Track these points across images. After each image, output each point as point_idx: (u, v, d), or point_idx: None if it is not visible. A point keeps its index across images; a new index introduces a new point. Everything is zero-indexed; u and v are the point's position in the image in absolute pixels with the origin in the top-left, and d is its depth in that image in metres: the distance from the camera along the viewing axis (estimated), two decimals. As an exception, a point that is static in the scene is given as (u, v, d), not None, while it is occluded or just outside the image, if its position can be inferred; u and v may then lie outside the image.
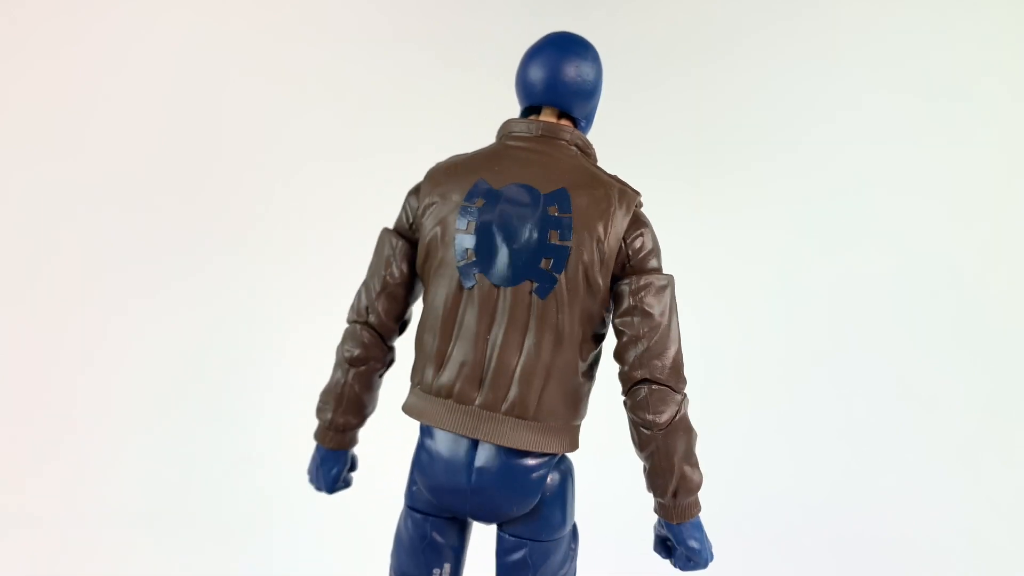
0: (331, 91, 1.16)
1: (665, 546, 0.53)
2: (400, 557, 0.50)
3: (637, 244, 0.48)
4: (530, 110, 0.53)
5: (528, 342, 0.47)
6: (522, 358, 0.47)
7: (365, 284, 0.53)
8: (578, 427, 0.51)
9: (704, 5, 1.22)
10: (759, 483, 1.14)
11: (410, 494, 0.50)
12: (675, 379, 0.49)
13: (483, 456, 0.47)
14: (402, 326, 0.54)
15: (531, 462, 0.48)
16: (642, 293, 0.47)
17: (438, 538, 0.49)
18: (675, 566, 0.52)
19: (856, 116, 1.20)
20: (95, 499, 1.05)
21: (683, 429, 0.49)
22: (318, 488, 0.55)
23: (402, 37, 1.19)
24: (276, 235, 1.15)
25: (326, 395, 0.53)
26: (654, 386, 0.48)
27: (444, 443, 0.48)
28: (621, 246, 0.48)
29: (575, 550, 0.52)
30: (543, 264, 0.46)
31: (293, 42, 1.18)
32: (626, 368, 0.49)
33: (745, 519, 1.11)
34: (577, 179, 0.48)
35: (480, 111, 1.23)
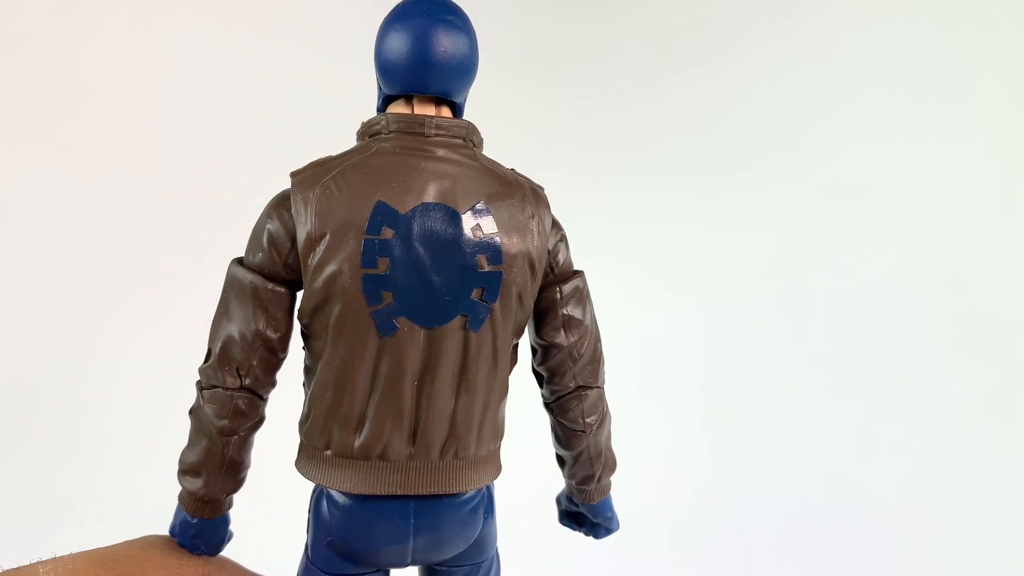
0: (331, 88, 1.16)
1: (574, 519, 0.52)
2: None
3: (560, 250, 0.44)
4: (392, 99, 0.43)
5: (464, 382, 0.41)
6: (459, 400, 0.41)
7: (230, 339, 0.41)
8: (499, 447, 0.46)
9: (704, 4, 1.22)
10: (758, 483, 1.14)
11: (326, 559, 0.42)
12: (601, 375, 0.47)
13: (423, 508, 0.41)
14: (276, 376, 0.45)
15: (471, 497, 0.43)
16: (571, 304, 0.44)
17: None
18: (587, 535, 0.51)
19: (857, 116, 1.20)
20: (98, 498, 1.05)
21: (606, 418, 0.47)
22: (200, 552, 0.45)
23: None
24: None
25: (196, 467, 0.42)
26: (587, 391, 0.45)
27: (375, 507, 0.41)
28: (546, 256, 0.43)
29: (498, 563, 0.48)
30: (475, 295, 0.39)
31: (293, 40, 1.18)
32: (557, 381, 0.45)
33: (745, 519, 1.11)
34: (489, 187, 0.41)
35: (479, 110, 1.23)
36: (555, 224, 0.44)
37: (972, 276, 1.19)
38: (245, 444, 0.43)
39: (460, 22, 0.42)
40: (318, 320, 0.40)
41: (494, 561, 0.47)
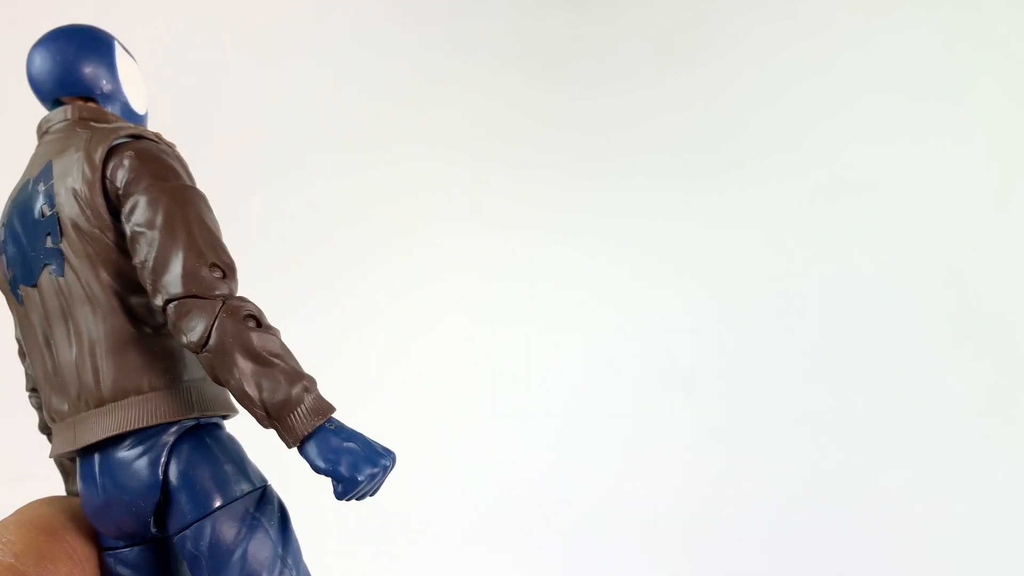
0: (331, 85, 1.16)
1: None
2: None
3: (119, 174, 0.41)
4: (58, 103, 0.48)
5: (71, 328, 0.41)
6: (73, 347, 0.41)
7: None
8: (194, 387, 0.42)
9: (703, 4, 1.22)
10: (756, 483, 1.14)
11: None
12: (195, 285, 0.38)
13: (99, 464, 0.41)
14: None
15: (132, 449, 0.40)
16: (133, 217, 0.40)
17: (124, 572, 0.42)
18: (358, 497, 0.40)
19: (855, 115, 1.20)
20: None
21: (231, 335, 0.37)
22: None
23: (401, 32, 1.19)
24: (276, 230, 1.15)
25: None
26: (172, 304, 0.38)
27: (81, 472, 0.42)
28: (103, 184, 0.41)
29: (259, 519, 0.40)
30: (47, 242, 0.42)
31: (293, 38, 1.18)
32: (153, 302, 0.40)
33: (736, 517, 1.11)
34: (59, 148, 0.43)
35: (480, 106, 1.23)
36: (117, 151, 0.42)
37: (970, 275, 1.19)
38: None
39: (49, 41, 0.49)
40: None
41: (224, 525, 0.39)
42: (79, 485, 0.43)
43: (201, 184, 0.45)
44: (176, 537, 0.40)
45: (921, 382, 1.17)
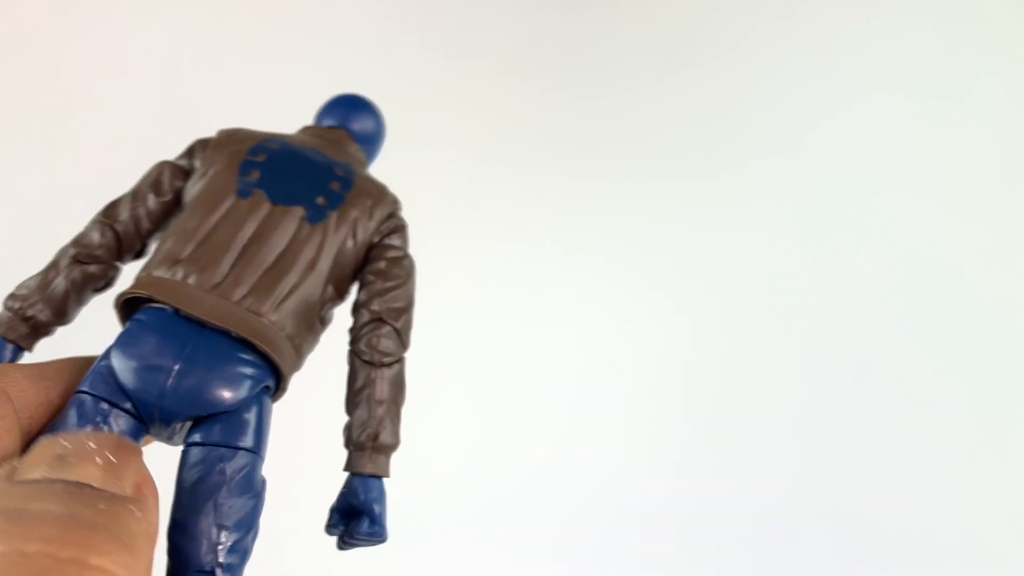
0: (331, 85, 1.17)
1: (341, 519, 0.43)
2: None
3: (395, 239, 0.49)
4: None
5: (283, 259, 0.44)
6: (275, 267, 0.43)
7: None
8: (292, 372, 0.44)
9: (703, 4, 1.22)
10: (756, 484, 1.14)
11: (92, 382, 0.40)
12: (407, 337, 0.48)
13: (201, 339, 0.40)
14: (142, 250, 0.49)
15: (243, 357, 0.40)
16: (391, 252, 0.48)
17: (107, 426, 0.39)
18: (353, 539, 0.42)
19: (855, 115, 1.20)
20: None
21: (402, 374, 0.47)
22: None
23: (401, 32, 1.19)
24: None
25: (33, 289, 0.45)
26: (387, 323, 0.47)
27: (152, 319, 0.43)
28: (378, 228, 0.48)
29: (258, 481, 0.41)
30: (318, 200, 0.46)
31: (293, 38, 1.18)
32: (367, 304, 0.49)
33: (733, 520, 1.11)
34: (346, 156, 0.53)
35: (480, 106, 1.23)
36: (395, 216, 0.51)
37: (970, 275, 1.19)
38: (85, 285, 0.48)
39: (374, 109, 0.63)
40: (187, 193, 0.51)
41: (245, 462, 0.40)
42: (140, 333, 0.39)
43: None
44: (191, 445, 0.39)
45: (921, 382, 1.17)
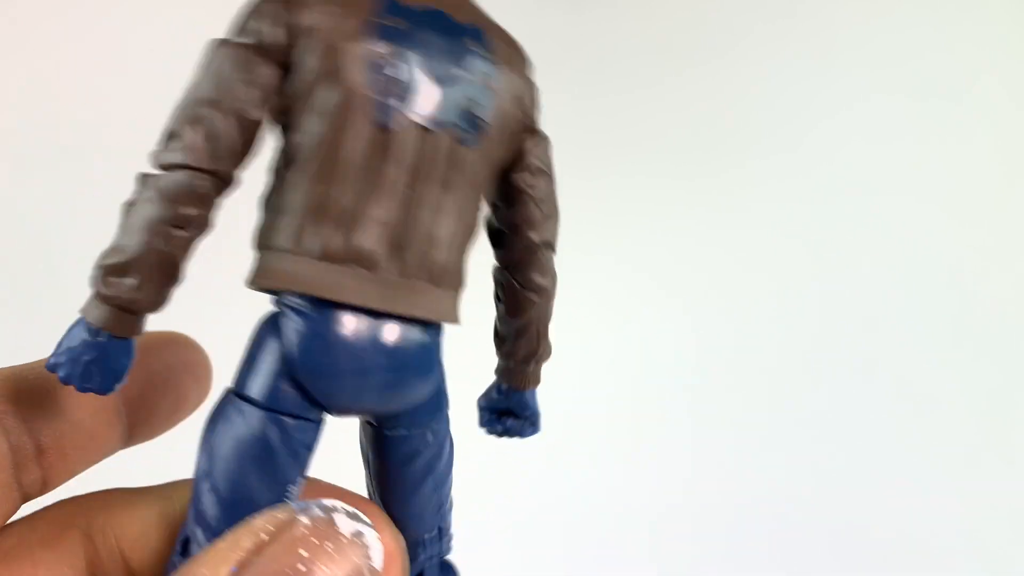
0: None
1: (495, 419, 0.46)
2: (246, 474, 0.34)
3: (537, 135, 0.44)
4: None
5: (440, 202, 0.36)
6: (433, 216, 0.36)
7: (202, 116, 0.35)
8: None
9: (703, 4, 1.22)
10: (756, 484, 1.14)
11: (274, 396, 0.35)
12: (554, 248, 0.43)
13: (396, 332, 0.36)
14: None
15: (421, 337, 0.37)
16: (538, 159, 0.43)
17: (303, 444, 0.35)
18: (508, 435, 0.45)
19: (855, 115, 1.20)
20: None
21: (554, 294, 0.46)
22: (93, 389, 0.36)
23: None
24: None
25: (128, 267, 0.34)
26: (548, 248, 0.44)
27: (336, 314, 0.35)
28: (530, 106, 0.44)
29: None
30: (474, 119, 0.37)
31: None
32: (525, 231, 0.44)
33: (737, 519, 1.11)
34: (482, 22, 0.40)
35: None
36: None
37: (970, 275, 1.19)
38: (189, 250, 0.37)
39: None
40: (303, 105, 0.37)
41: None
42: (327, 327, 0.34)
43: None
44: (393, 432, 0.39)
45: (921, 382, 1.17)
